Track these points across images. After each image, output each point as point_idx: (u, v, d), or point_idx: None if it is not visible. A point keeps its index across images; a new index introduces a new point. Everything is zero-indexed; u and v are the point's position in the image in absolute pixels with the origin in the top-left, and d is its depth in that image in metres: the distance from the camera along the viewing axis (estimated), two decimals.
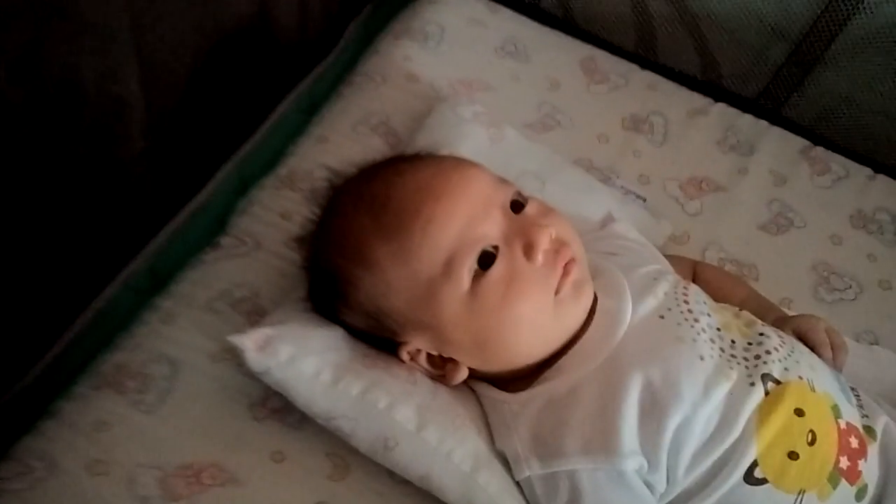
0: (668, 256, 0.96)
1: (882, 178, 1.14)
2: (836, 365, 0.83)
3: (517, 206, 0.79)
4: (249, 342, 0.74)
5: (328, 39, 1.16)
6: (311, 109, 1.09)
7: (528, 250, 0.75)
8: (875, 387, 0.91)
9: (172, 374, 0.80)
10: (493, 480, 0.74)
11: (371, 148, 1.00)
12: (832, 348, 0.83)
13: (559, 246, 0.76)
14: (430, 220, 0.74)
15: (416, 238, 0.74)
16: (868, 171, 1.15)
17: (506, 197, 0.78)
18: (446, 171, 0.77)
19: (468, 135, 1.00)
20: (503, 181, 0.80)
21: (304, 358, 0.75)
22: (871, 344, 1.00)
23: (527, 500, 0.75)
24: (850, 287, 1.04)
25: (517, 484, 0.75)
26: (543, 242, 0.75)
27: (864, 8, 1.08)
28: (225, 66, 0.92)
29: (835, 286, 1.04)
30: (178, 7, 0.80)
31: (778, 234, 1.07)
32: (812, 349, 0.82)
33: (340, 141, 1.02)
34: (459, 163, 0.80)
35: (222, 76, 0.93)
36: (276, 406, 0.80)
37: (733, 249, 1.04)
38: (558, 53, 1.20)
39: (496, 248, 0.75)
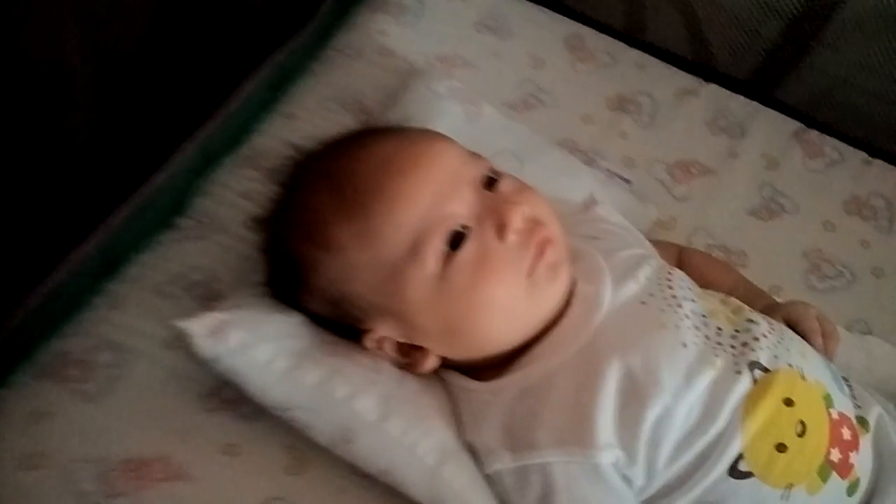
0: (652, 242, 0.91)
1: (878, 162, 1.10)
2: (827, 354, 0.78)
3: (490, 182, 0.73)
4: (198, 327, 0.69)
5: (302, 11, 1.10)
6: (281, 85, 1.04)
7: (500, 229, 0.70)
8: (867, 378, 0.87)
9: (119, 362, 0.75)
10: (460, 474, 0.70)
11: (341, 126, 0.94)
12: (823, 336, 0.79)
13: (533, 225, 0.71)
14: (394, 198, 0.68)
15: (379, 217, 0.68)
16: (863, 155, 1.11)
17: (477, 173, 0.73)
18: (412, 145, 0.72)
19: (443, 111, 0.95)
20: (475, 156, 0.74)
21: (258, 345, 0.70)
22: (864, 334, 0.96)
23: (496, 496, 0.70)
24: (843, 275, 1.00)
25: (487, 478, 0.70)
26: (516, 221, 0.70)
27: None
28: (184, 33, 0.87)
29: (827, 274, 1.00)
30: None
31: (768, 220, 1.03)
32: (803, 337, 0.78)
33: (309, 118, 0.96)
34: (427, 135, 0.75)
35: (182, 44, 0.87)
36: (230, 396, 0.74)
37: (722, 235, 1.00)
38: (542, 30, 1.15)
39: (466, 227, 0.70)
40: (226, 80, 1.00)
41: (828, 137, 1.11)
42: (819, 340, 0.78)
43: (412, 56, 1.06)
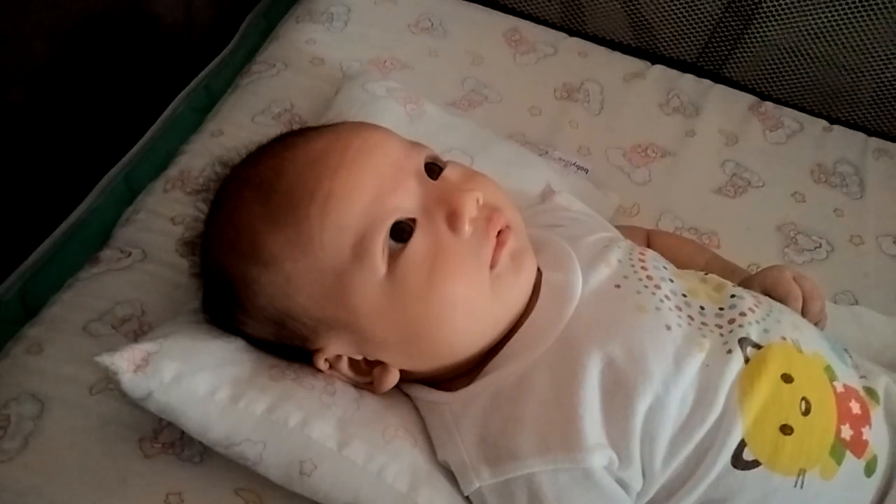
0: (618, 227, 0.85)
1: (839, 128, 1.07)
2: (810, 316, 0.72)
3: (434, 171, 0.67)
4: (123, 361, 0.60)
5: (222, 32, 1.04)
6: (208, 106, 0.97)
7: (453, 220, 0.63)
8: (864, 351, 0.80)
9: (39, 413, 0.66)
10: (436, 499, 0.62)
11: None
12: (805, 297, 0.73)
13: (490, 212, 0.65)
14: (328, 198, 0.61)
15: (314, 221, 0.61)
16: (823, 123, 1.07)
17: (420, 162, 0.66)
18: (344, 139, 0.65)
19: (383, 112, 0.88)
20: (415, 144, 0.68)
21: (194, 375, 0.62)
22: (851, 304, 0.90)
23: None
24: (821, 245, 0.95)
25: (467, 499, 0.63)
26: (470, 209, 0.63)
27: None
28: (93, 55, 0.80)
29: (804, 246, 0.95)
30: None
31: (736, 197, 0.98)
32: (781, 303, 0.72)
33: (237, 133, 0.89)
34: (359, 127, 0.68)
35: (93, 71, 0.81)
36: (171, 439, 0.66)
37: (690, 217, 0.95)
38: (479, 27, 1.11)
39: (413, 220, 0.63)
40: (149, 106, 0.93)
41: (785, 108, 1.07)
42: (798, 304, 0.72)
43: (345, 62, 1.01)
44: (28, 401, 0.67)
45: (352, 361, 0.66)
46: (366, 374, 0.67)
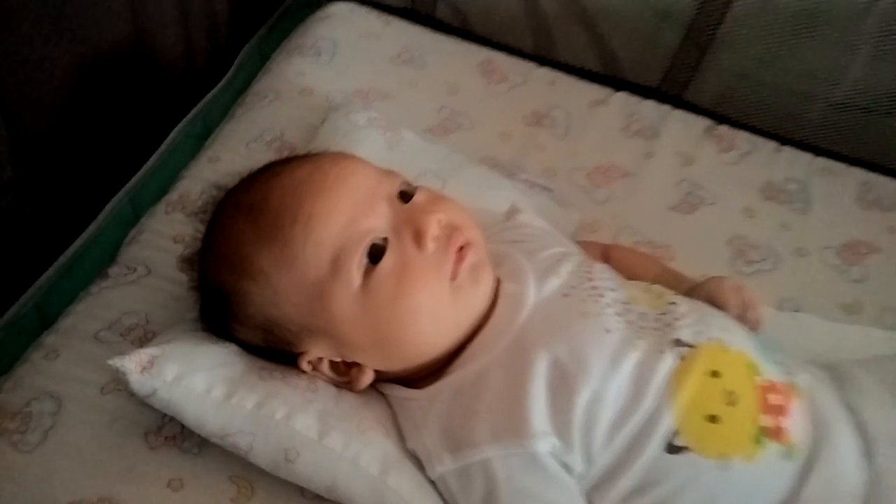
0: (579, 242, 0.94)
1: (788, 149, 1.15)
2: (749, 321, 0.81)
3: (405, 196, 0.76)
4: (131, 364, 0.70)
5: (219, 65, 1.13)
6: (206, 134, 1.07)
7: (418, 238, 0.72)
8: (802, 353, 0.89)
9: (57, 410, 0.75)
10: (404, 482, 0.71)
11: (265, 163, 0.97)
12: (744, 304, 0.81)
13: (451, 231, 0.74)
14: (310, 219, 0.71)
15: (297, 240, 0.71)
16: (774, 144, 1.15)
17: (391, 188, 0.76)
18: (323, 167, 0.74)
19: (364, 140, 0.98)
20: (388, 172, 0.77)
21: (193, 375, 0.71)
22: (794, 311, 0.99)
23: (443, 500, 0.71)
24: (767, 258, 1.03)
25: (432, 483, 0.72)
26: (433, 229, 0.72)
27: None
28: (101, 89, 0.89)
29: (752, 258, 1.03)
30: (38, 24, 0.76)
31: (690, 213, 1.06)
32: (722, 310, 0.80)
33: (233, 159, 0.99)
34: (337, 157, 0.77)
35: (100, 101, 0.90)
36: (173, 432, 0.75)
37: (647, 232, 1.03)
38: (455, 58, 1.20)
39: (385, 239, 0.72)
40: (151, 134, 1.02)
41: (739, 131, 1.15)
42: (734, 310, 0.80)
43: (331, 93, 1.10)
44: (47, 400, 0.76)
45: (332, 363, 0.75)
46: (344, 374, 0.76)
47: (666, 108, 1.17)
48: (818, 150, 1.16)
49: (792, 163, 1.13)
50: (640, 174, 1.09)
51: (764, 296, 0.94)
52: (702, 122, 1.16)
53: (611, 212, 1.05)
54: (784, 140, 1.17)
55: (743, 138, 1.15)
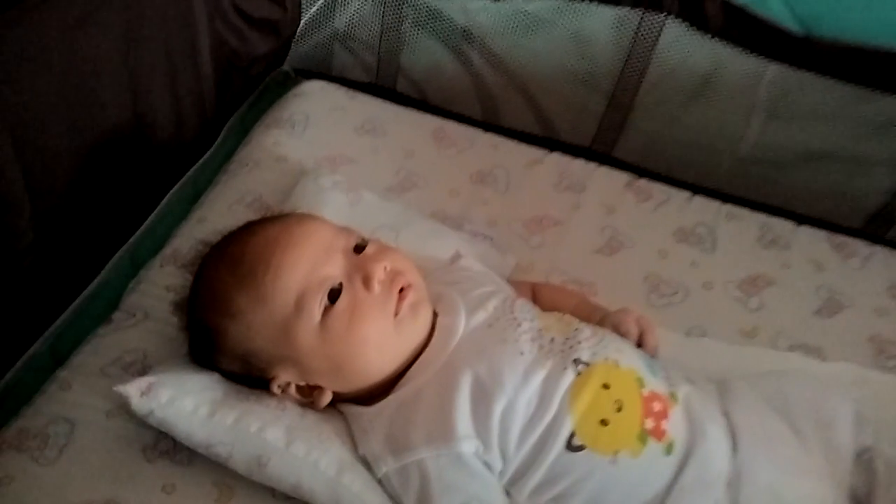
0: (514, 282, 1.11)
1: (699, 198, 1.30)
2: (645, 346, 0.97)
3: (359, 248, 0.93)
4: (133, 389, 0.87)
5: (206, 138, 1.31)
6: (195, 198, 1.24)
7: (366, 282, 0.89)
8: (704, 373, 1.03)
9: (70, 432, 0.91)
10: (356, 480, 0.86)
11: (244, 222, 1.14)
12: (642, 332, 0.98)
13: (394, 275, 0.91)
14: (279, 268, 0.87)
15: (269, 285, 0.87)
16: (687, 193, 1.31)
17: (347, 242, 0.93)
18: (290, 226, 0.92)
19: (329, 201, 1.15)
20: (345, 229, 0.95)
21: (183, 398, 0.87)
22: (700, 336, 1.13)
23: (389, 496, 0.87)
24: (678, 292, 1.18)
25: (380, 482, 0.87)
26: (378, 273, 0.89)
27: (655, 57, 1.28)
28: (106, 164, 1.05)
29: (664, 292, 1.18)
30: (52, 113, 0.93)
31: (612, 255, 1.22)
32: (624, 336, 0.97)
33: (217, 219, 1.15)
34: (302, 217, 0.95)
35: (105, 174, 1.06)
36: (166, 448, 0.91)
37: (574, 272, 1.19)
38: (412, 127, 1.37)
39: (341, 284, 0.89)
40: (148, 198, 1.19)
41: (655, 183, 1.31)
42: (632, 338, 0.97)
43: (304, 159, 1.27)
44: (62, 423, 0.92)
45: (297, 386, 0.91)
46: (308, 395, 0.92)
47: (593, 165, 1.34)
48: (727, 198, 1.31)
49: (702, 209, 1.28)
50: (569, 223, 1.25)
51: (675, 324, 1.12)
52: (624, 177, 1.32)
53: (544, 256, 1.21)
54: (697, 189, 1.32)
55: (659, 189, 1.31)
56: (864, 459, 0.93)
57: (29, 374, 0.98)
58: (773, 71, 1.24)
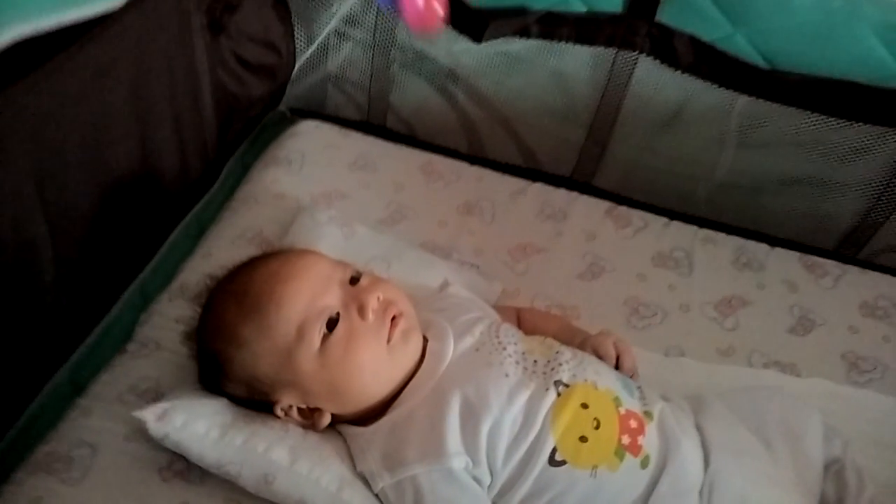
0: (499, 307, 1.19)
1: (676, 223, 1.38)
2: (622, 368, 1.05)
3: (354, 280, 1.01)
4: (150, 414, 0.94)
5: (209, 177, 1.40)
6: (200, 234, 1.31)
7: (361, 311, 0.96)
8: (683, 390, 1.11)
9: (92, 455, 0.98)
10: (356, 496, 0.93)
11: (247, 256, 1.21)
12: (619, 355, 1.05)
13: (387, 305, 0.99)
14: (281, 299, 0.95)
15: (272, 315, 0.95)
16: (664, 219, 1.39)
17: (344, 275, 1.00)
18: (291, 260, 1.00)
19: (325, 235, 1.23)
20: (340, 263, 1.02)
21: (196, 421, 0.95)
22: (679, 356, 1.21)
23: None
24: (657, 314, 1.26)
25: (377, 497, 0.94)
26: (372, 303, 0.97)
27: (630, 91, 1.36)
28: (118, 205, 1.13)
29: (644, 314, 1.26)
30: (71, 162, 1.01)
31: (593, 280, 1.30)
32: (603, 359, 1.05)
33: (221, 254, 1.22)
34: (301, 252, 1.03)
35: (118, 214, 1.14)
36: (180, 468, 0.98)
37: (557, 296, 1.26)
38: (402, 162, 1.45)
39: (338, 313, 0.96)
40: (156, 235, 1.27)
41: (634, 210, 1.39)
42: (611, 360, 1.04)
43: (300, 196, 1.34)
44: (84, 447, 0.99)
45: (299, 409, 0.98)
46: (308, 417, 0.99)
47: (574, 194, 1.41)
48: (703, 222, 1.39)
49: (679, 234, 1.36)
50: (552, 250, 1.33)
51: (654, 345, 1.19)
52: (603, 205, 1.40)
53: (528, 282, 1.28)
54: (675, 215, 1.40)
55: (638, 216, 1.39)
56: (833, 470, 1.00)
57: (52, 403, 1.06)
58: (742, 102, 1.31)
